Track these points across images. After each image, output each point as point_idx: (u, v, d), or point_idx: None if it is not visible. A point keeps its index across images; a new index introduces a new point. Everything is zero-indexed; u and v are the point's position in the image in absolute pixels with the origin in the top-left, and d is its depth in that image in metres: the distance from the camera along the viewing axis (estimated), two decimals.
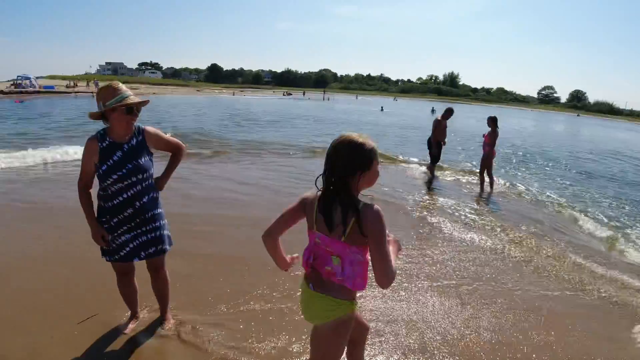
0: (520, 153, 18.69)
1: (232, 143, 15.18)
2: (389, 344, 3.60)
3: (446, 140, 11.09)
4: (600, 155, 21.70)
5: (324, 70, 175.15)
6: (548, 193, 10.61)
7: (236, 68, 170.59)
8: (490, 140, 9.79)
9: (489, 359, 3.51)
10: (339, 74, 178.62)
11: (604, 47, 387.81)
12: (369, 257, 1.99)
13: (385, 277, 1.89)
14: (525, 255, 6.08)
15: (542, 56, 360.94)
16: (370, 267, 2.01)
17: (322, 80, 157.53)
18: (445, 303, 4.41)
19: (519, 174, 13.29)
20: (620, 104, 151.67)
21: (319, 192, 2.06)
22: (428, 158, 11.30)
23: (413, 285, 4.76)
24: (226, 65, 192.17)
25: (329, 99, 65.30)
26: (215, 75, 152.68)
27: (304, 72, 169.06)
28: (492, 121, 9.81)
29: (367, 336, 2.65)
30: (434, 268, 5.30)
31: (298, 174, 10.36)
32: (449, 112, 10.98)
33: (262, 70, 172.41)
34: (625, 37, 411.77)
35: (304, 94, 75.25)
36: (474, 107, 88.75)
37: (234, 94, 71.54)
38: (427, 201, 8.78)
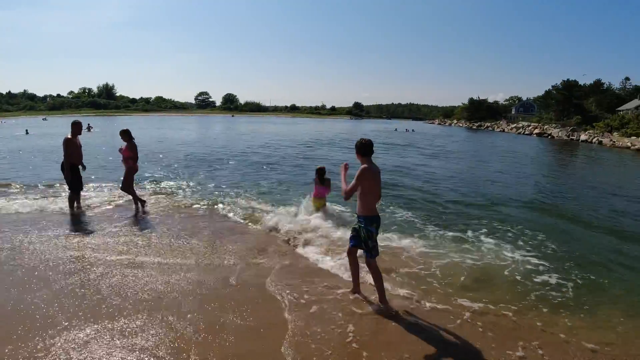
0: (186, 157, 18.77)
1: None
2: None
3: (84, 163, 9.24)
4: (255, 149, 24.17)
5: None
6: (202, 196, 10.76)
7: None
8: (131, 153, 9.00)
9: None
10: None
11: (250, 53, 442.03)
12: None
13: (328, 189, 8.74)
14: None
15: (194, 64, 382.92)
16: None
17: None
18: None
19: (180, 178, 13.14)
20: (266, 101, 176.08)
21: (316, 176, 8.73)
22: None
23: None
24: None
25: None
26: None
27: None
28: (125, 134, 9.03)
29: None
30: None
31: None
32: (76, 127, 8.98)
33: None
34: (261, 44, 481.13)
35: None
36: (135, 118, 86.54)
37: None
38: (72, 244, 7.25)
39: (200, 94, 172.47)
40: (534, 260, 6.96)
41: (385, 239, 7.37)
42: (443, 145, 35.34)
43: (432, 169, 19.03)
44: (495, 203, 11.54)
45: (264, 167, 17.43)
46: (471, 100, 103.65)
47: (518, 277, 6.28)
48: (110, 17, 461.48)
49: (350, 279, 5.49)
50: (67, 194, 9.31)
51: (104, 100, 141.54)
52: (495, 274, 6.39)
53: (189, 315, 4.68)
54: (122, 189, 9.31)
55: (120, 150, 9.13)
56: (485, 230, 8.66)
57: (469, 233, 8.42)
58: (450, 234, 8.30)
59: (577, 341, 4.60)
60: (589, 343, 4.57)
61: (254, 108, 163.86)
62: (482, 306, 5.27)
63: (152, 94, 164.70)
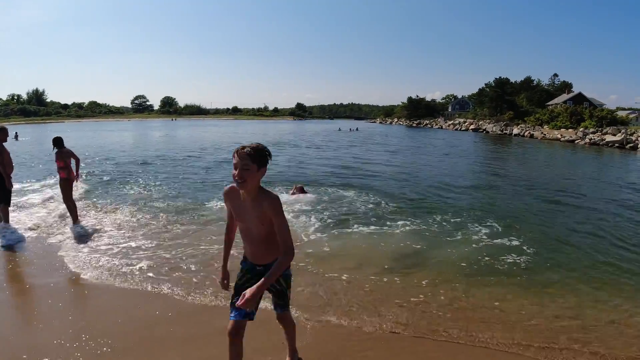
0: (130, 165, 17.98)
1: None
2: None
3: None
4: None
5: None
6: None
7: None
8: (61, 163, 8.41)
9: None
10: None
11: (188, 54, 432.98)
12: None
13: None
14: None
15: (128, 66, 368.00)
16: None
17: None
18: None
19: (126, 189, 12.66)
20: (207, 104, 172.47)
21: None
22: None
23: None
24: None
25: None
26: None
27: None
28: (57, 143, 8.46)
29: None
30: None
31: None
32: (2, 132, 7.99)
33: None
34: (200, 45, 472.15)
35: None
36: (69, 125, 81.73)
37: None
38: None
39: (137, 97, 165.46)
40: (487, 240, 7.23)
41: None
42: (394, 143, 36.30)
43: (392, 164, 19.93)
44: (449, 189, 12.51)
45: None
46: (410, 99, 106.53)
47: (466, 256, 6.47)
48: (34, 16, 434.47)
49: None
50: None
51: (34, 106, 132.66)
52: (444, 253, 6.59)
53: None
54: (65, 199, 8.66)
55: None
56: (439, 213, 9.10)
57: (420, 216, 8.82)
58: (404, 220, 8.53)
59: (529, 313, 4.71)
60: (540, 315, 4.68)
61: (195, 111, 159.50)
62: (428, 282, 5.51)
63: (85, 99, 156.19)
